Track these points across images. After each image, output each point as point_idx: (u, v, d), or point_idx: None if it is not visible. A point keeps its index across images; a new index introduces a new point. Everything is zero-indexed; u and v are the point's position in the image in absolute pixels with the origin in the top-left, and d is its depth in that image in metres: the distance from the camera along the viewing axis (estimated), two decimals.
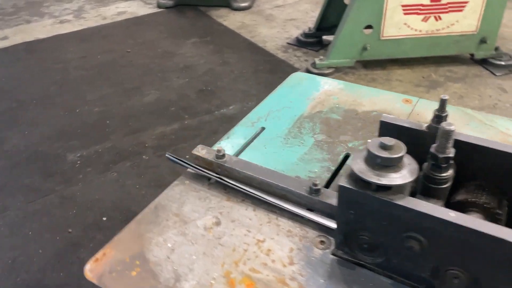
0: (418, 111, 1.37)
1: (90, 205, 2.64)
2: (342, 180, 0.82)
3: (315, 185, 1.01)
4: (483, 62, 4.13)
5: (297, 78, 1.62)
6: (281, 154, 1.24)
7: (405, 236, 0.78)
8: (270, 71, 4.17)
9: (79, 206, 2.64)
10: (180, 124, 3.40)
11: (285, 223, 1.01)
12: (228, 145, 1.28)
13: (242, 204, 1.06)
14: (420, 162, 0.87)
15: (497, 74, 4.02)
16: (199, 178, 1.15)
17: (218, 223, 1.01)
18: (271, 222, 1.01)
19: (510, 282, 0.72)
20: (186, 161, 1.16)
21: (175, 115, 3.51)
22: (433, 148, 0.83)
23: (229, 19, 5.36)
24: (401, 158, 0.78)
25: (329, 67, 3.94)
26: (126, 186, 2.79)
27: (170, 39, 4.88)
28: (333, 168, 1.18)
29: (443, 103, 0.88)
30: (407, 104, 1.41)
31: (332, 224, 0.97)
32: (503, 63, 4.07)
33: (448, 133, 0.79)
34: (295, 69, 4.12)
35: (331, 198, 0.99)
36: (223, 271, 0.90)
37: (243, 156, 1.23)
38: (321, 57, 4.00)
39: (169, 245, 0.96)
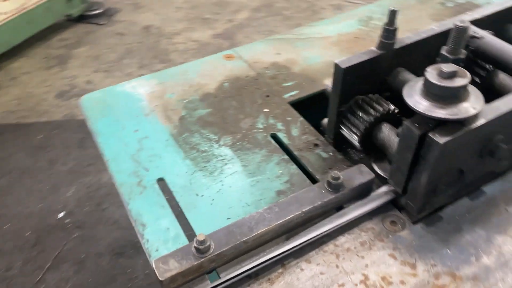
0: (251, 58, 1.21)
1: None
2: (435, 138, 0.67)
3: (335, 178, 0.78)
4: (84, 19, 4.00)
5: (93, 102, 1.08)
6: (224, 187, 0.87)
7: (489, 146, 0.75)
8: None
9: None
10: None
11: (343, 244, 0.76)
12: (152, 234, 0.78)
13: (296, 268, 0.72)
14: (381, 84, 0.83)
15: (102, 23, 4.01)
16: None
17: None
18: (329, 257, 0.74)
19: None
20: None
21: None
22: (444, 50, 0.78)
23: None
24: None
25: None
26: None
27: None
28: (287, 157, 0.93)
29: (392, 15, 0.81)
30: (233, 60, 1.22)
31: (377, 202, 0.81)
32: (101, 10, 4.07)
33: (461, 31, 0.75)
34: None
35: (357, 176, 0.80)
36: None
37: (199, 226, 0.79)
38: None
39: None
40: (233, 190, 0.87)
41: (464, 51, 0.78)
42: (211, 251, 0.71)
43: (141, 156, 0.95)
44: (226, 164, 0.92)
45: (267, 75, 1.16)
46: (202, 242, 0.70)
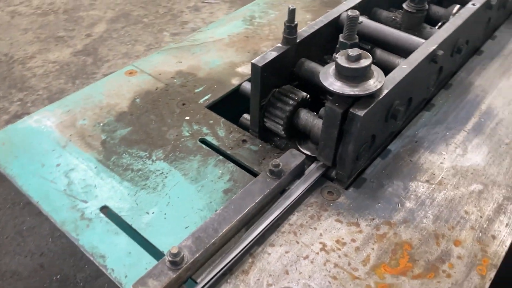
0: (154, 70, 1.20)
1: None
2: (356, 112, 0.79)
3: (276, 165, 0.86)
4: None
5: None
6: (172, 199, 0.87)
7: (391, 111, 0.90)
8: None
9: None
10: None
11: (296, 221, 0.85)
12: (115, 263, 0.76)
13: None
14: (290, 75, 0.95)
15: None
16: None
17: None
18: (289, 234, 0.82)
19: None
20: None
21: None
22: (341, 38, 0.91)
23: None
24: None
25: None
26: None
27: None
28: (222, 157, 0.97)
29: (292, 13, 0.91)
30: (136, 75, 1.20)
31: (313, 178, 0.91)
32: None
33: (354, 19, 0.88)
34: None
35: (291, 159, 0.89)
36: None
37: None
38: None
39: None
40: (182, 200, 0.89)
41: (357, 36, 0.93)
42: (186, 260, 0.73)
43: (74, 189, 0.91)
44: (166, 177, 0.94)
45: (176, 84, 1.18)
46: (176, 255, 0.72)
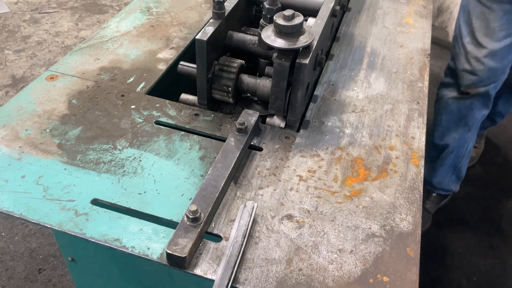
0: (76, 71, 1.17)
1: None
2: (302, 61, 0.95)
3: (241, 123, 0.98)
4: None
5: None
6: (156, 176, 0.92)
7: (317, 60, 1.09)
8: None
9: None
10: None
11: (271, 166, 0.98)
12: (132, 241, 0.80)
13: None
14: (223, 47, 1.08)
15: None
16: None
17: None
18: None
19: None
20: None
21: None
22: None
23: None
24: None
25: None
26: None
27: None
28: (183, 132, 1.03)
29: None
30: (59, 79, 1.16)
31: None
32: None
33: None
34: None
35: (249, 118, 1.02)
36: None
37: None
38: None
39: None
40: (166, 175, 0.95)
41: (279, 4, 1.09)
42: (202, 215, 0.82)
43: (54, 193, 0.89)
44: (140, 160, 0.98)
45: (105, 80, 1.19)
46: (195, 212, 0.80)
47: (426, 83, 1.26)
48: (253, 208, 0.87)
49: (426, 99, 1.21)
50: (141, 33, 1.39)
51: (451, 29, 3.87)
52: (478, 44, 1.99)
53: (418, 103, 1.19)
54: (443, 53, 4.04)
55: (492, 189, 2.85)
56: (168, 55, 1.31)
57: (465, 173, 2.55)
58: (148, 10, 1.50)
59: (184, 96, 1.17)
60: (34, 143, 1.00)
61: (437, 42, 4.14)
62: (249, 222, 0.85)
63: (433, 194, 2.55)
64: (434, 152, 2.51)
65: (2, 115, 1.06)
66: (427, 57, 1.36)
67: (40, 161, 0.96)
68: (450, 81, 2.26)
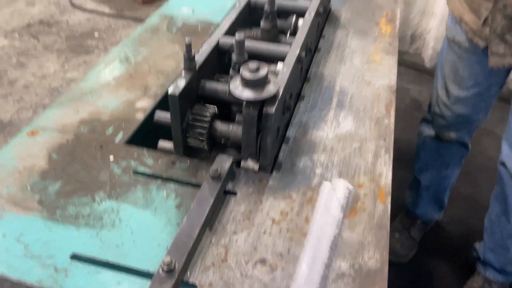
0: (57, 126, 1.22)
1: None
2: (269, 111, 1.01)
3: (215, 171, 1.02)
4: None
5: None
6: (134, 228, 0.95)
7: (286, 105, 1.14)
8: None
9: None
10: None
11: (246, 209, 1.03)
12: None
13: None
14: (196, 97, 1.14)
15: None
16: None
17: None
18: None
19: None
20: None
21: None
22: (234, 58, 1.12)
23: None
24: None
25: None
26: None
27: None
28: (160, 181, 1.08)
29: (189, 46, 1.08)
30: (40, 134, 1.21)
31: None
32: None
33: (241, 41, 1.09)
34: None
35: (223, 163, 1.07)
36: None
37: None
38: None
39: None
40: (143, 226, 0.99)
41: (246, 55, 1.15)
42: (177, 266, 0.85)
43: (34, 250, 0.92)
44: (118, 212, 1.02)
45: (85, 132, 1.24)
46: (169, 263, 0.84)
47: (392, 119, 1.32)
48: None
49: (392, 135, 1.27)
50: (120, 83, 1.45)
51: (426, 55, 4.01)
52: (447, 90, 2.05)
53: (385, 139, 1.25)
54: (421, 77, 4.17)
55: (477, 210, 2.89)
56: (146, 103, 1.36)
57: (447, 201, 2.59)
58: (127, 60, 1.57)
59: (161, 143, 1.21)
60: (15, 200, 1.03)
61: (415, 67, 4.27)
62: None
63: (418, 221, 2.59)
64: (415, 183, 2.55)
65: None
66: (393, 93, 1.43)
67: (20, 218, 0.99)
68: (430, 118, 2.30)
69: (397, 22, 1.81)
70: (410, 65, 4.20)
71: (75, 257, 0.92)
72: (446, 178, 2.38)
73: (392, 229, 2.63)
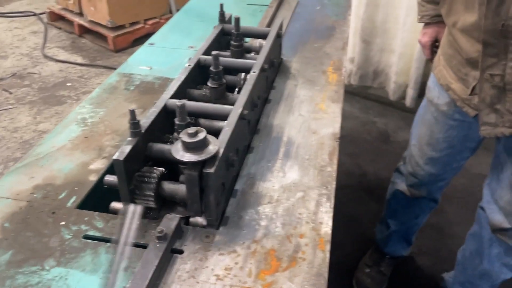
0: (11, 193, 1.25)
1: None
2: (209, 171, 1.07)
3: (160, 231, 1.07)
4: None
5: None
6: None
7: (229, 161, 1.21)
8: None
9: None
10: None
11: (191, 268, 1.07)
12: None
13: None
14: (144, 158, 1.20)
15: None
16: None
17: None
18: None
19: None
20: None
21: None
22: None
23: None
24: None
25: None
26: None
27: None
28: (109, 244, 1.11)
29: (133, 113, 1.15)
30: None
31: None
32: None
33: (182, 106, 1.17)
34: None
35: (169, 222, 1.11)
36: None
37: None
38: None
39: None
40: None
41: (188, 117, 1.23)
42: None
43: None
44: (66, 279, 1.05)
45: (38, 198, 1.28)
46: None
47: (335, 166, 1.40)
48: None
49: (334, 182, 1.34)
50: (76, 145, 1.50)
51: (390, 88, 4.17)
52: (421, 150, 2.08)
53: (327, 187, 1.32)
54: (387, 110, 4.32)
55: (445, 240, 2.97)
56: (100, 165, 1.41)
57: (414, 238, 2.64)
58: (84, 121, 1.63)
59: (113, 204, 1.26)
60: None
61: (380, 100, 4.44)
62: None
63: (387, 257, 2.64)
64: (385, 223, 2.61)
65: None
66: (336, 141, 1.51)
67: None
68: (403, 170, 2.30)
69: (343, 70, 1.93)
70: (375, 99, 4.37)
71: None
72: (415, 225, 2.45)
73: (363, 264, 2.67)
